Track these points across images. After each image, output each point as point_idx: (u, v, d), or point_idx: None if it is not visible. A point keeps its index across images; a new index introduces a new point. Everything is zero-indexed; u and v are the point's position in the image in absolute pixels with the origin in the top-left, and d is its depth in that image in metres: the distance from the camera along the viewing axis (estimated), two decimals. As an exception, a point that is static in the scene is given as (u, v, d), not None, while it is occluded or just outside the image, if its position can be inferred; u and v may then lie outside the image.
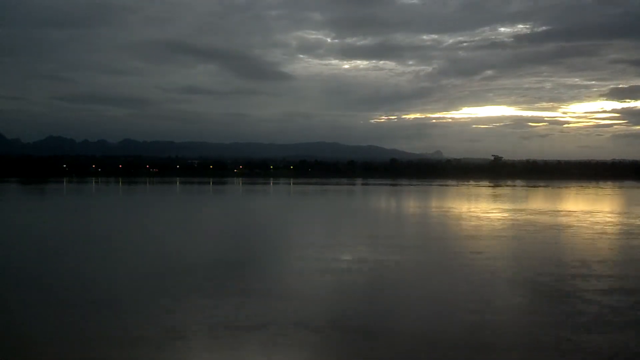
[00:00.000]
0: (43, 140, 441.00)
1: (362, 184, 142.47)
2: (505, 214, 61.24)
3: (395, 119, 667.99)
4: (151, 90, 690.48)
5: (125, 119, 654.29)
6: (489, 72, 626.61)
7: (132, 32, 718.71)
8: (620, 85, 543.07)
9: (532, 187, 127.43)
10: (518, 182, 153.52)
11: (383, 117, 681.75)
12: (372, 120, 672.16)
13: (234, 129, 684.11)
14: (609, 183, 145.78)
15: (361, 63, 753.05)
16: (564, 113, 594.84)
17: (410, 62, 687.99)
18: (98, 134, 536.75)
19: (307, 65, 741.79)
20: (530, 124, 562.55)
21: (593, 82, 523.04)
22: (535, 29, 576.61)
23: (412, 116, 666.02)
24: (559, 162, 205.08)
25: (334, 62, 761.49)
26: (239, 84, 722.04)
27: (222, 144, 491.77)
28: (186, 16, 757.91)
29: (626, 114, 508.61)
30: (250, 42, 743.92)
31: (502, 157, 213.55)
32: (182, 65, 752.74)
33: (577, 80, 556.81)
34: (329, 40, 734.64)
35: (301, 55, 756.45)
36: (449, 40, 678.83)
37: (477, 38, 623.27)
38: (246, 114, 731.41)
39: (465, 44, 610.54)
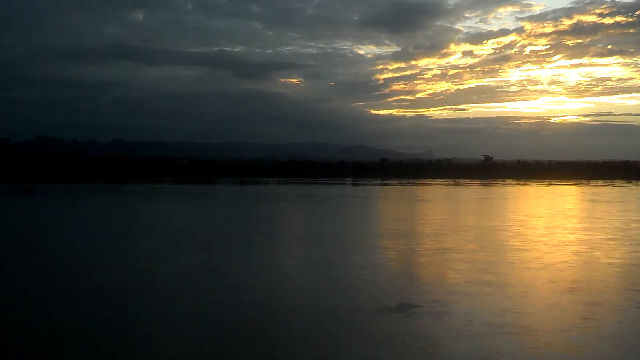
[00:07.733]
0: (32, 140, 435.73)
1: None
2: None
3: (386, 118, 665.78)
4: (140, 90, 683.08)
5: (114, 118, 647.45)
6: (481, 70, 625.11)
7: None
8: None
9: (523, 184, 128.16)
10: (509, 181, 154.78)
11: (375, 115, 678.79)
12: (363, 119, 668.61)
13: (225, 129, 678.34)
14: (600, 181, 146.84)
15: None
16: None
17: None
18: (87, 133, 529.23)
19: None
20: (522, 122, 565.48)
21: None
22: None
23: (403, 114, 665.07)
24: (550, 162, 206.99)
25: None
26: (229, 84, 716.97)
27: (211, 144, 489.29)
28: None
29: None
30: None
31: (492, 157, 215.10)
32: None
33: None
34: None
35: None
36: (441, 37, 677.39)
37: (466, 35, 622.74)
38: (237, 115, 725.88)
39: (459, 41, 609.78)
